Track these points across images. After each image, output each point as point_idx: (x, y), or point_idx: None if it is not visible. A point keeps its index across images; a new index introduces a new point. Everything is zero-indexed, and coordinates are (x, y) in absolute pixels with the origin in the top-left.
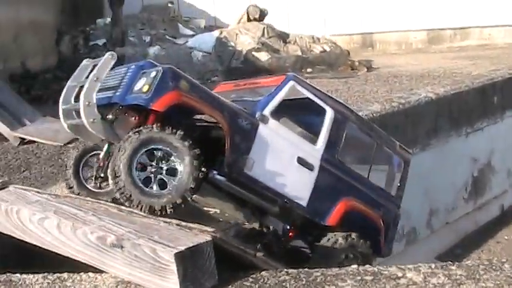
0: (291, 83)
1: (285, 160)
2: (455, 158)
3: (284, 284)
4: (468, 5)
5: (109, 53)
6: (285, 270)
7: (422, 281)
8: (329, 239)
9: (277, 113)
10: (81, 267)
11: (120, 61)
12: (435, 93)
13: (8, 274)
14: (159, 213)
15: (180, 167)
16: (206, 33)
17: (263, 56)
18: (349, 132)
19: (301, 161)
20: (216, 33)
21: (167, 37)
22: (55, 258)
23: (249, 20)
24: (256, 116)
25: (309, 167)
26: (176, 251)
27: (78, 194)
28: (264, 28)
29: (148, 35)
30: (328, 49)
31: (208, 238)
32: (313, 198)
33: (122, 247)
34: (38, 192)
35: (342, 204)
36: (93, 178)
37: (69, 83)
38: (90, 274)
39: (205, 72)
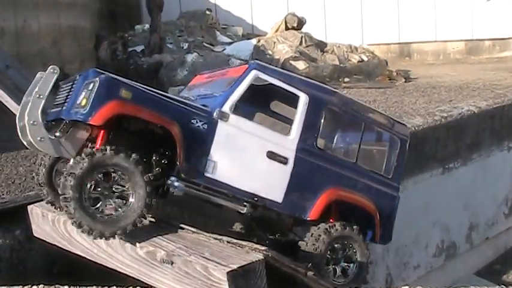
0: (253, 72)
1: (252, 157)
2: (496, 173)
3: None
4: (507, 16)
5: (50, 67)
6: None
7: None
8: (312, 234)
9: (241, 107)
10: (128, 281)
11: (157, 67)
12: (477, 107)
13: (56, 286)
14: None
15: (132, 193)
16: (244, 41)
17: (300, 65)
18: (329, 116)
19: (272, 155)
20: (253, 41)
21: (205, 44)
22: (99, 269)
23: (286, 28)
24: (214, 114)
25: (282, 160)
26: (229, 270)
27: (53, 203)
28: (301, 37)
29: (186, 42)
30: (365, 59)
31: (261, 256)
32: (290, 193)
33: (172, 263)
34: None
35: (326, 195)
36: None
37: (24, 98)
38: None
39: None
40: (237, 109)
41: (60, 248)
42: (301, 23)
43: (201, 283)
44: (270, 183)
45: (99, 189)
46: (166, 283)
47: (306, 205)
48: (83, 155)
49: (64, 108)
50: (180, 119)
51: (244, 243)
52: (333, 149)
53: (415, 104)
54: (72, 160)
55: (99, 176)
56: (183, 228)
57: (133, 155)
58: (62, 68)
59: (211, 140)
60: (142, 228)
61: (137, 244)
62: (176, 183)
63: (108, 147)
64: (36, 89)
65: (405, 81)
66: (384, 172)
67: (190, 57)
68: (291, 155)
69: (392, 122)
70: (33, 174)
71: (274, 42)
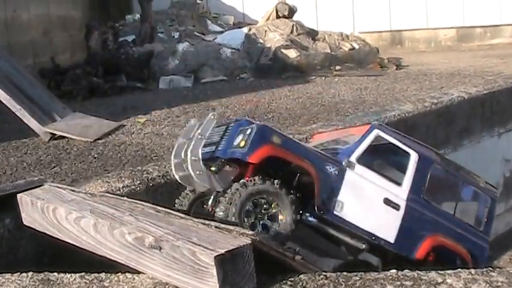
0: (375, 131)
1: (372, 201)
2: (487, 159)
3: None
4: (499, 3)
5: (211, 114)
6: (324, 274)
7: (463, 287)
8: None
9: (364, 159)
10: (117, 267)
11: (148, 57)
12: (468, 93)
13: (45, 273)
14: None
15: (280, 211)
16: (235, 30)
17: (292, 53)
18: (433, 173)
19: (388, 202)
20: (244, 29)
21: (196, 33)
22: (89, 257)
23: (277, 16)
24: (343, 163)
25: (395, 206)
26: (216, 254)
27: None
28: (292, 25)
29: (177, 31)
30: (357, 46)
31: (248, 241)
32: (400, 235)
33: (160, 248)
34: (74, 190)
35: (429, 240)
36: None
37: (179, 139)
38: (128, 275)
39: (234, 69)
40: (361, 160)
41: (50, 236)
42: (292, 11)
43: (189, 268)
44: (385, 225)
45: (252, 213)
46: (155, 268)
47: (413, 246)
48: (237, 185)
49: (219, 149)
50: (317, 164)
51: (231, 228)
52: (436, 201)
53: (406, 91)
54: (229, 191)
55: (253, 202)
56: (171, 214)
57: (276, 181)
58: (52, 58)
59: (340, 184)
60: (130, 215)
61: (125, 230)
62: (310, 219)
63: (256, 178)
64: (199, 131)
65: (396, 69)
66: (476, 225)
67: (181, 47)
68: (402, 203)
69: (484, 182)
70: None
71: (265, 31)
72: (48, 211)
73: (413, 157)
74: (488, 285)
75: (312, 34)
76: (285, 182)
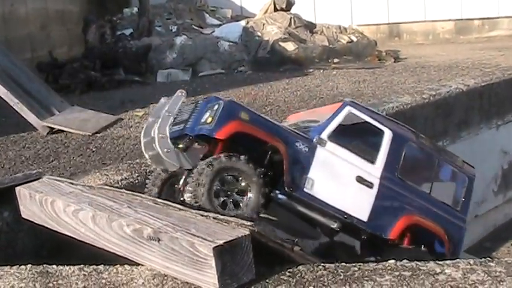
0: (347, 108)
1: (344, 179)
2: (485, 151)
3: (322, 279)
4: None
5: (179, 90)
6: (322, 265)
7: (462, 277)
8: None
9: (336, 136)
10: (116, 259)
11: (146, 51)
12: (466, 85)
13: (44, 265)
14: None
15: (249, 189)
16: (233, 23)
17: (290, 46)
18: (408, 152)
19: (360, 180)
20: (242, 23)
21: (194, 27)
22: (88, 249)
23: (275, 9)
24: (314, 139)
25: (368, 184)
26: (215, 245)
27: None
28: (290, 18)
29: (175, 25)
30: (355, 39)
31: (247, 232)
32: (374, 213)
33: (159, 240)
34: (72, 183)
35: (404, 219)
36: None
37: (149, 118)
38: (127, 267)
39: (232, 62)
40: (333, 137)
41: (48, 228)
42: (289, 4)
43: (188, 259)
44: (358, 203)
45: (221, 192)
46: (153, 260)
47: (387, 226)
48: (202, 164)
49: (187, 126)
50: (287, 141)
51: (230, 219)
52: (411, 179)
53: (404, 84)
54: (195, 171)
55: (223, 178)
56: (169, 206)
57: (242, 156)
58: (50, 52)
59: (310, 161)
60: (128, 207)
61: (124, 222)
62: (280, 196)
63: (221, 155)
64: (166, 108)
65: (394, 62)
66: (453, 204)
67: (179, 40)
68: (375, 181)
69: (461, 162)
70: (147, 186)
71: (263, 24)
72: (46, 204)
73: (387, 135)
74: (486, 275)
75: (310, 27)
76: (257, 160)
